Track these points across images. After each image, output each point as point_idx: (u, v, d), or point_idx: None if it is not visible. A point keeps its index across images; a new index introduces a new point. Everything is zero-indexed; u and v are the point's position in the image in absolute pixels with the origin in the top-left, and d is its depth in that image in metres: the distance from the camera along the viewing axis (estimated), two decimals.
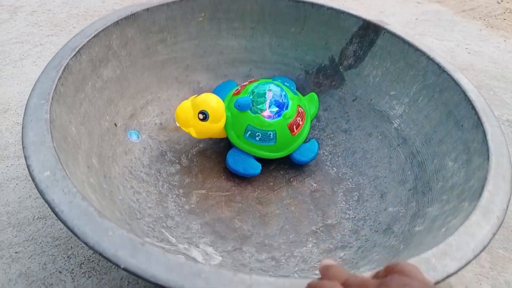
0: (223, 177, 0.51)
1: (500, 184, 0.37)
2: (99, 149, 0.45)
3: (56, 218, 0.46)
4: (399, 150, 0.52)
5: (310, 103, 0.57)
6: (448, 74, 0.49)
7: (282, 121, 0.49)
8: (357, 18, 0.56)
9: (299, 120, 0.51)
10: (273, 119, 0.49)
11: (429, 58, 0.51)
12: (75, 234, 0.29)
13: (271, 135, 0.49)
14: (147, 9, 0.51)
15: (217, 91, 0.58)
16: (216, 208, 0.48)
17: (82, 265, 0.43)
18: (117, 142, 0.48)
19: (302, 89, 0.60)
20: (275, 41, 0.60)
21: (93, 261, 0.43)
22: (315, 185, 0.52)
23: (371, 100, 0.56)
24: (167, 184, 0.49)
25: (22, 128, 0.35)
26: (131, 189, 0.45)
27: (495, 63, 0.81)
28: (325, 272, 0.27)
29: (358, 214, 0.49)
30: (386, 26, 0.54)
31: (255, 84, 0.51)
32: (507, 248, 0.51)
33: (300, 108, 0.51)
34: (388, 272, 0.24)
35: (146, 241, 0.30)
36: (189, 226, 0.45)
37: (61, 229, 0.45)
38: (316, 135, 0.58)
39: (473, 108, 0.45)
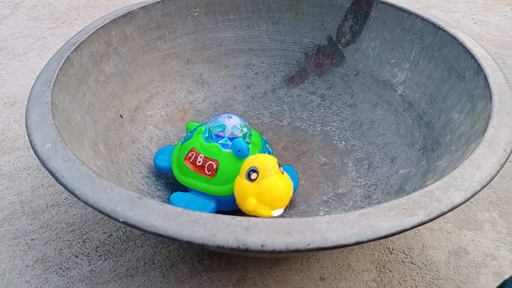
0: None
1: (504, 120, 0.36)
2: (105, 137, 0.46)
3: (69, 204, 0.47)
4: (406, 115, 0.51)
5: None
6: (444, 31, 0.48)
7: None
8: None
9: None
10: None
11: (423, 19, 0.51)
12: (76, 195, 0.30)
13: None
14: (143, 7, 0.53)
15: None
16: None
17: (98, 249, 0.43)
18: (124, 132, 0.49)
19: (304, 71, 0.61)
20: (272, 28, 0.61)
21: (108, 244, 0.44)
22: (324, 159, 0.52)
23: (373, 71, 0.56)
24: None
25: (26, 112, 0.37)
26: (139, 173, 0.46)
27: (503, 32, 0.80)
28: None
29: (369, 180, 0.48)
30: None
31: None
32: None
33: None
34: None
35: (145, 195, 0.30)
36: None
37: (75, 215, 0.46)
38: (322, 113, 0.58)
39: (472, 57, 0.44)
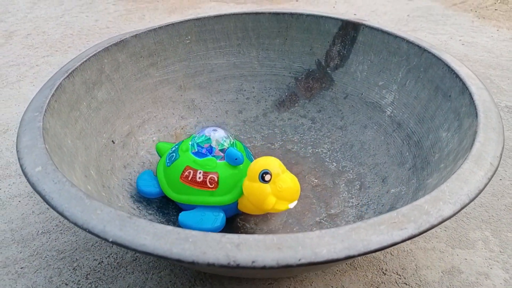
0: None
1: (490, 135, 0.37)
2: (97, 162, 0.46)
3: (60, 231, 0.47)
4: (395, 135, 0.52)
5: None
6: (429, 52, 0.50)
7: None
8: (336, 19, 0.58)
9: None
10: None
11: (408, 42, 0.52)
12: (65, 217, 0.30)
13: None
14: (135, 36, 0.55)
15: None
16: None
17: (88, 276, 0.43)
18: (116, 157, 0.49)
19: (294, 95, 0.62)
20: (262, 54, 0.62)
21: (99, 271, 0.43)
22: (316, 180, 0.52)
23: (362, 94, 0.57)
24: None
25: (17, 136, 0.37)
26: (131, 198, 0.46)
27: (490, 52, 0.82)
28: None
29: (361, 201, 0.48)
30: (364, 22, 0.56)
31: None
32: None
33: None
34: None
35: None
36: None
37: (65, 242, 0.46)
38: (312, 136, 0.58)
39: (457, 76, 0.45)
